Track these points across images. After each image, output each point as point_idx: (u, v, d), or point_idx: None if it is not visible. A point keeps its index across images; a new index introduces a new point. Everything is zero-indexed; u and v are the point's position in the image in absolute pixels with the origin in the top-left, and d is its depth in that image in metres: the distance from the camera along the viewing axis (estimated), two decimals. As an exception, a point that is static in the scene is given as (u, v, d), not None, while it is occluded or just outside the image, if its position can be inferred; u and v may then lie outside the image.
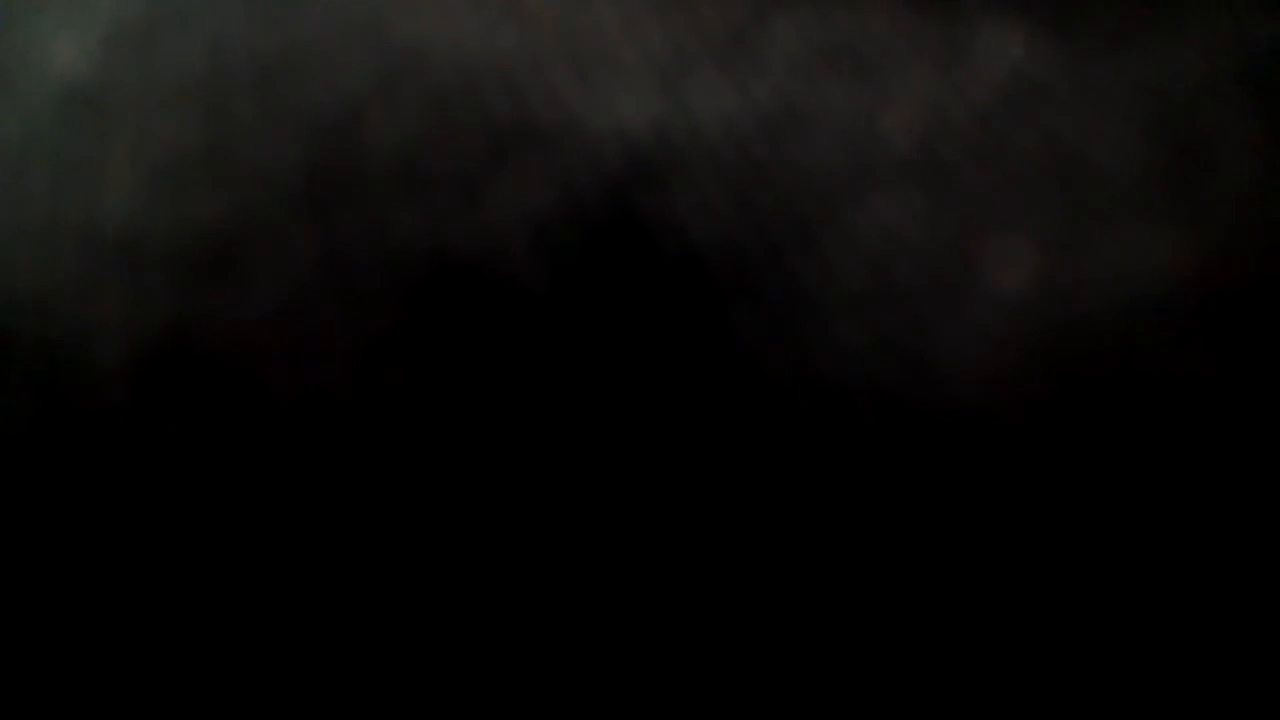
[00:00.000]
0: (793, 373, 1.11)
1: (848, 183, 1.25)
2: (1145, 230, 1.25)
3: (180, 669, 1.08)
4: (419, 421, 1.08)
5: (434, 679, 1.10)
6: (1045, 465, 1.13)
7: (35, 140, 1.25)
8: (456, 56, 1.22)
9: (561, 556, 1.10)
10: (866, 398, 1.10)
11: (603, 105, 1.21)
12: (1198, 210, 1.25)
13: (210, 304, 1.15)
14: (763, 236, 1.18)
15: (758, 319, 1.14)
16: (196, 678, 1.07)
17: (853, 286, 1.16)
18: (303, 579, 1.10)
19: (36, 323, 1.09)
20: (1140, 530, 1.12)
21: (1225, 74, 1.32)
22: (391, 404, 1.07)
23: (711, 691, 1.10)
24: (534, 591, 1.10)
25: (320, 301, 1.11)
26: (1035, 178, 1.31)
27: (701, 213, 1.20)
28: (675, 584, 1.11)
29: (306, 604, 1.09)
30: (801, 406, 1.11)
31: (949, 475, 1.12)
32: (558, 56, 1.22)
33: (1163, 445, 1.15)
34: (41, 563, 1.09)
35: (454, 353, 1.08)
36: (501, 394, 1.10)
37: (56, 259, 1.17)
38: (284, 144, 1.24)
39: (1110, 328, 1.18)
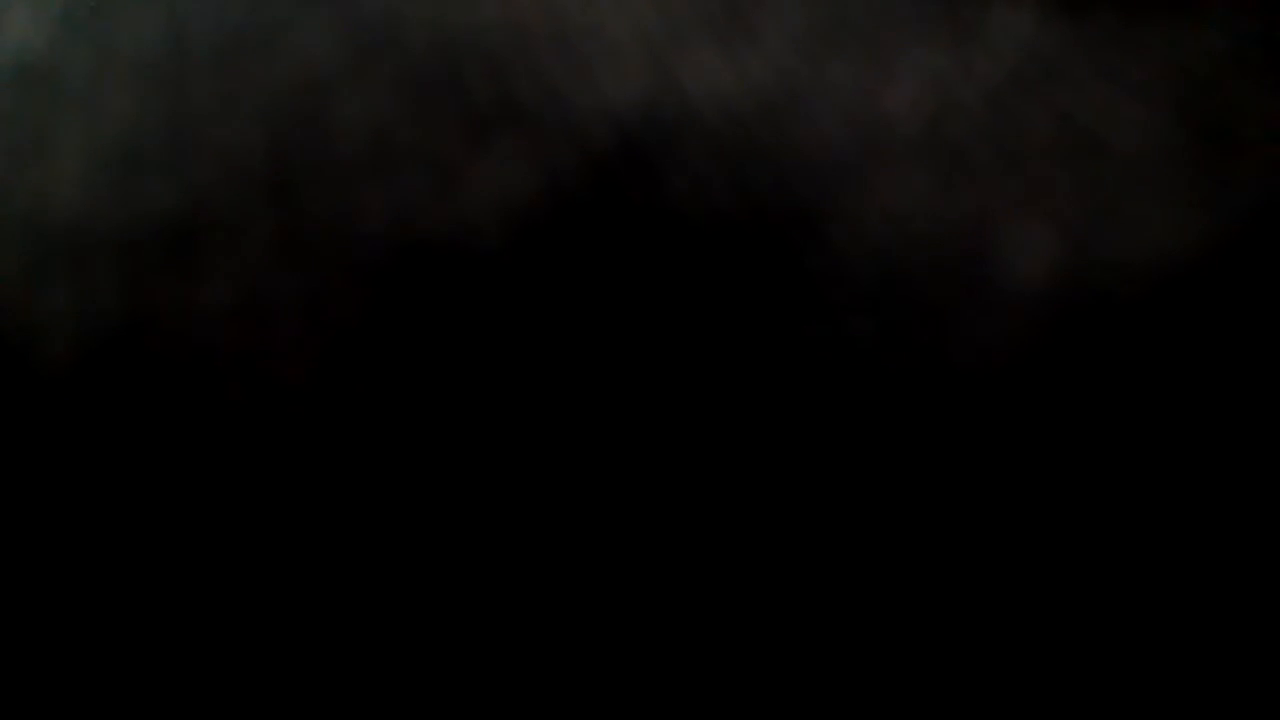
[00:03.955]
0: (797, 370, 1.04)
1: (852, 166, 1.18)
2: (1166, 213, 1.17)
3: (130, 653, 1.02)
4: (383, 421, 1.01)
5: (407, 664, 1.03)
6: (1062, 455, 1.07)
7: (-16, 116, 1.17)
8: (433, 30, 1.15)
9: (538, 543, 1.04)
10: (877, 392, 1.04)
11: (589, 82, 1.13)
12: (1220, 192, 1.18)
13: (164, 296, 1.07)
14: (762, 223, 1.11)
15: (758, 312, 1.07)
16: (154, 662, 1.01)
17: (860, 277, 1.10)
18: (264, 571, 1.03)
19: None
20: (1157, 514, 1.06)
21: (1249, 52, 1.25)
22: (356, 399, 1.00)
23: (712, 658, 1.04)
24: (510, 574, 1.04)
25: (280, 293, 1.04)
26: (1049, 160, 1.23)
27: (695, 198, 1.12)
28: (669, 570, 1.05)
29: (266, 594, 1.03)
30: (807, 405, 1.05)
31: (964, 470, 1.06)
32: (541, 31, 1.14)
33: (1185, 431, 1.09)
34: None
35: (422, 348, 1.01)
36: (472, 390, 1.03)
37: (1, 247, 1.10)
38: (246, 125, 1.16)
39: (1130, 316, 1.12)
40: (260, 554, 1.02)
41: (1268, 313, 1.10)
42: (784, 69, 1.21)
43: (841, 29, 1.23)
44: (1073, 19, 1.29)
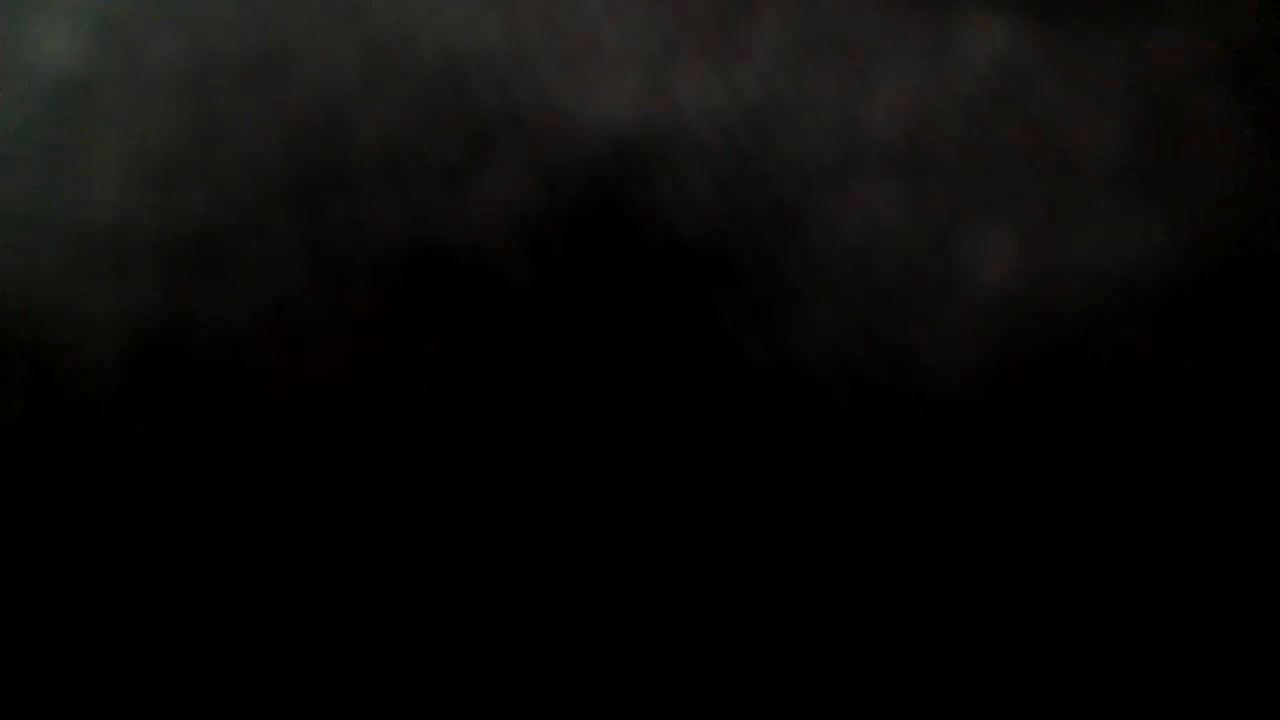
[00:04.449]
0: (774, 363, 1.11)
1: (832, 173, 1.26)
2: (1127, 219, 1.25)
3: (170, 653, 1.08)
4: (404, 410, 1.09)
5: (424, 663, 1.10)
6: (1025, 453, 1.13)
7: (23, 135, 1.25)
8: (441, 48, 1.23)
9: (546, 540, 1.10)
10: (847, 388, 1.11)
11: (588, 97, 1.22)
12: (1180, 199, 1.26)
13: (199, 299, 1.15)
14: (747, 227, 1.19)
15: (741, 309, 1.14)
16: (187, 660, 1.08)
17: (835, 277, 1.17)
18: (294, 567, 1.10)
19: (26, 319, 1.10)
20: (1118, 515, 1.12)
21: (1209, 65, 1.32)
22: (376, 393, 1.08)
23: (691, 663, 1.10)
24: (520, 573, 1.10)
25: (306, 294, 1.12)
26: (1018, 167, 1.31)
27: (686, 204, 1.20)
28: (658, 566, 1.11)
29: (297, 591, 1.10)
30: (782, 396, 1.12)
31: (929, 463, 1.12)
32: (543, 48, 1.22)
33: (1142, 431, 1.15)
34: (35, 556, 1.09)
35: (438, 342, 1.08)
36: (486, 382, 1.10)
37: (45, 254, 1.17)
38: (269, 138, 1.25)
39: (1090, 316, 1.19)
40: (289, 537, 1.09)
41: (1227, 312, 1.16)
42: (770, 83, 1.28)
43: (825, 44, 1.30)
44: (1045, 33, 1.35)
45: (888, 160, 1.28)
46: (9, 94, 1.28)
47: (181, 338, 1.13)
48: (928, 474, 1.12)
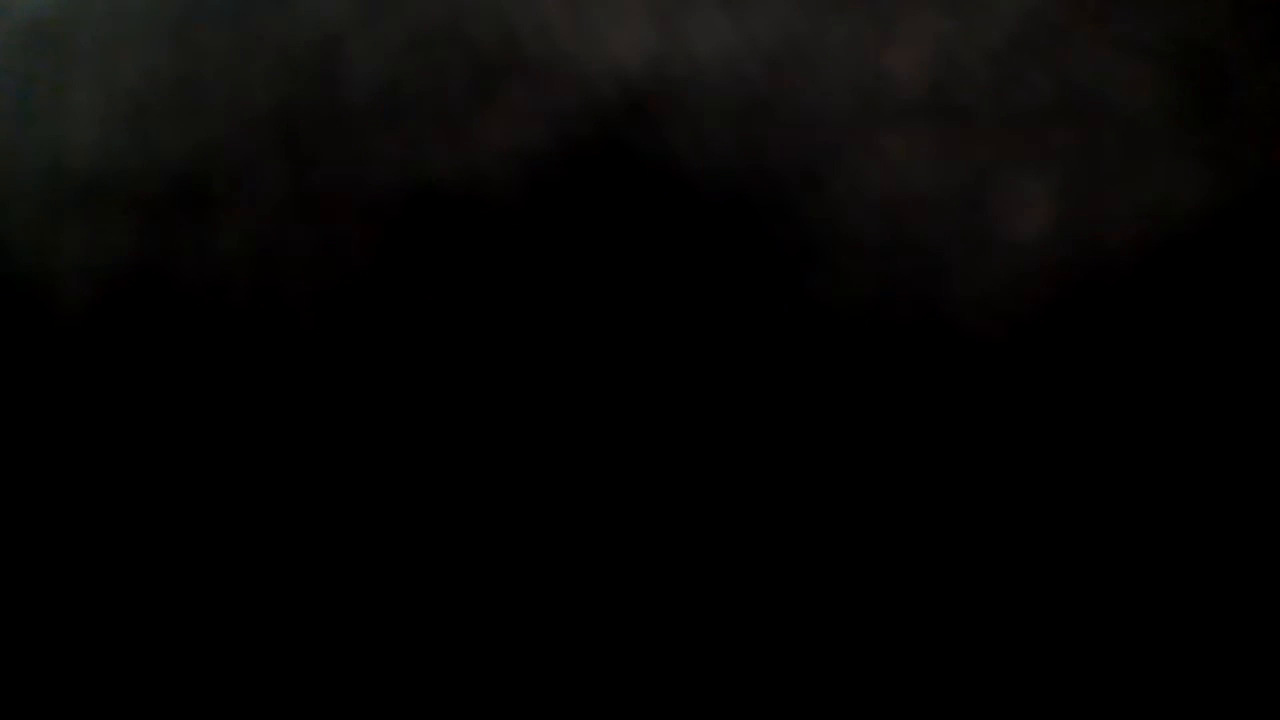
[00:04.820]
0: (799, 320, 1.05)
1: (854, 123, 1.19)
2: (1164, 173, 1.19)
3: (140, 598, 1.03)
4: (398, 361, 1.02)
5: (423, 623, 1.05)
6: (1064, 407, 1.08)
7: (-3, 71, 1.18)
8: (441, -15, 1.16)
9: (547, 495, 1.05)
10: (877, 344, 1.05)
11: (595, 38, 1.14)
12: (1219, 150, 1.19)
13: (177, 243, 1.08)
14: (766, 178, 1.12)
15: (761, 264, 1.08)
16: (159, 609, 1.02)
17: (862, 230, 1.10)
18: (280, 515, 1.04)
19: (-3, 262, 1.03)
20: (1160, 472, 1.07)
21: (1249, 14, 1.26)
22: (365, 349, 1.02)
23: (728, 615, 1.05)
24: (519, 525, 1.05)
25: (293, 240, 1.05)
26: (1050, 120, 1.24)
27: (700, 152, 1.13)
28: (668, 536, 1.06)
29: (281, 542, 1.04)
30: (808, 354, 1.06)
31: (966, 420, 1.07)
32: (548, -14, 1.15)
33: (1187, 386, 1.10)
34: (7, 497, 1.03)
35: (434, 295, 1.02)
36: (485, 333, 1.04)
37: (18, 195, 1.11)
38: (257, 76, 1.17)
39: (1129, 269, 1.13)
40: (272, 491, 1.03)
41: (1265, 271, 1.11)
42: (789, 29, 1.22)
43: (846, -11, 1.24)
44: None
45: (913, 111, 1.22)
46: (-19, 34, 1.22)
47: (159, 284, 1.06)
48: (966, 432, 1.07)
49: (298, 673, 1.02)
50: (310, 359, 1.03)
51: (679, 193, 1.11)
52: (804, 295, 1.07)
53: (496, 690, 1.02)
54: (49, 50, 1.21)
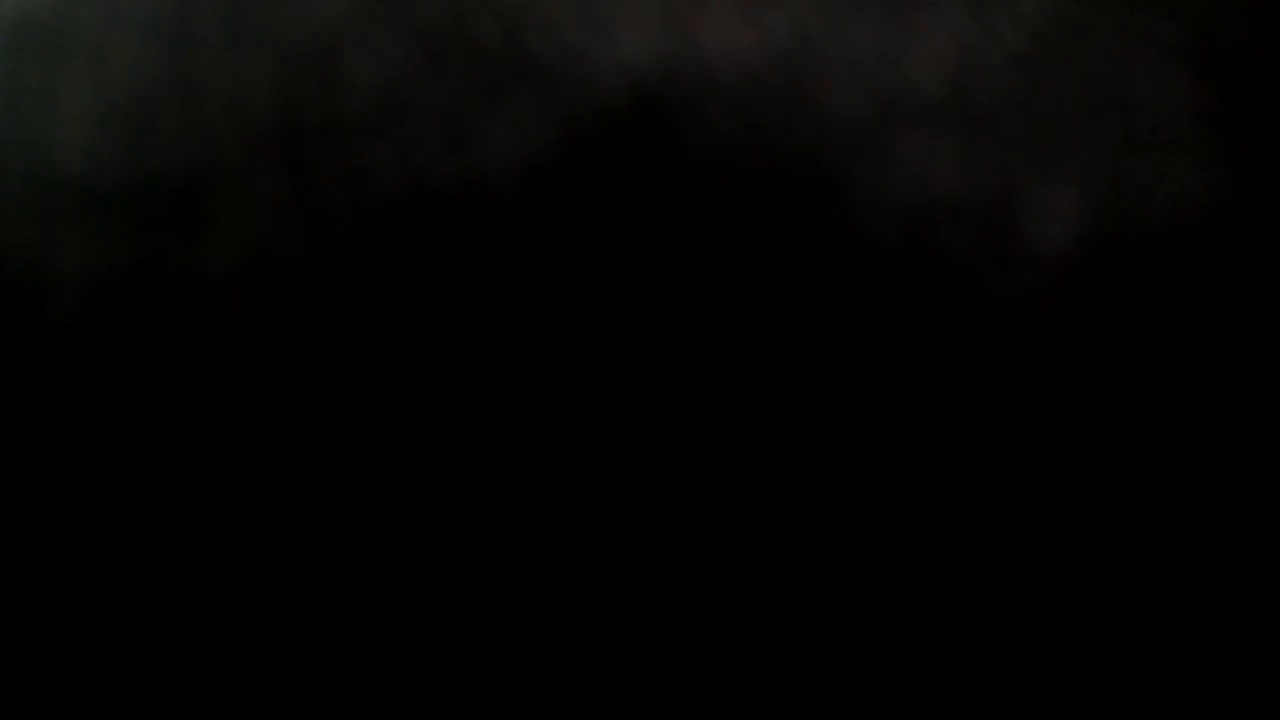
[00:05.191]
0: (819, 332, 1.02)
1: (873, 127, 1.15)
2: (1192, 173, 1.15)
3: (138, 599, 1.00)
4: (400, 375, 0.99)
5: (414, 619, 1.02)
6: (1090, 409, 1.05)
7: (-15, 76, 1.14)
8: (443, -17, 1.12)
9: (554, 496, 1.02)
10: (901, 353, 1.02)
11: (605, 38, 1.11)
12: (1247, 151, 1.16)
13: (172, 249, 1.05)
14: (784, 182, 1.09)
15: (777, 274, 1.05)
16: (160, 602, 1.00)
17: (883, 236, 1.07)
18: (277, 518, 1.02)
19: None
20: (1194, 475, 1.04)
21: (1275, 12, 1.22)
22: (367, 358, 0.98)
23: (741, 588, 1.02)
24: (524, 524, 1.02)
25: (290, 248, 1.01)
26: (1075, 121, 1.20)
27: (714, 156, 1.10)
28: (680, 534, 1.03)
29: (277, 543, 1.01)
30: (828, 365, 1.03)
31: (999, 429, 1.04)
32: (555, -15, 1.12)
33: (1221, 391, 1.07)
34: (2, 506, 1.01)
35: (439, 303, 0.98)
36: (492, 347, 1.01)
37: (7, 200, 1.07)
38: (254, 77, 1.13)
39: (1156, 272, 1.09)
40: (270, 496, 1.01)
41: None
42: (805, 29, 1.19)
43: (862, -13, 1.21)
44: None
45: (935, 114, 1.18)
46: (-29, 34, 1.19)
47: (152, 294, 1.03)
48: (989, 433, 1.04)
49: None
50: (308, 366, 1.00)
51: (692, 198, 1.08)
52: (821, 301, 1.03)
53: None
54: (40, 48, 1.18)
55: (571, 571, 1.00)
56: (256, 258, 1.00)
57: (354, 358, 0.98)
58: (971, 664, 1.03)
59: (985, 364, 1.06)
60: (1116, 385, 1.06)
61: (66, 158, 1.13)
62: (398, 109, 1.10)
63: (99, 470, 1.01)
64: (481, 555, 1.01)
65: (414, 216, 1.05)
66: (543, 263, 1.02)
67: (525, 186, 1.05)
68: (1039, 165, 1.15)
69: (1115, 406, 1.05)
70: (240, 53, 1.14)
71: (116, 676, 1.00)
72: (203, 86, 1.14)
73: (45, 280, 1.03)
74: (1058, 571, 1.03)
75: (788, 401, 1.03)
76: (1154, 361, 1.06)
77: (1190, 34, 1.21)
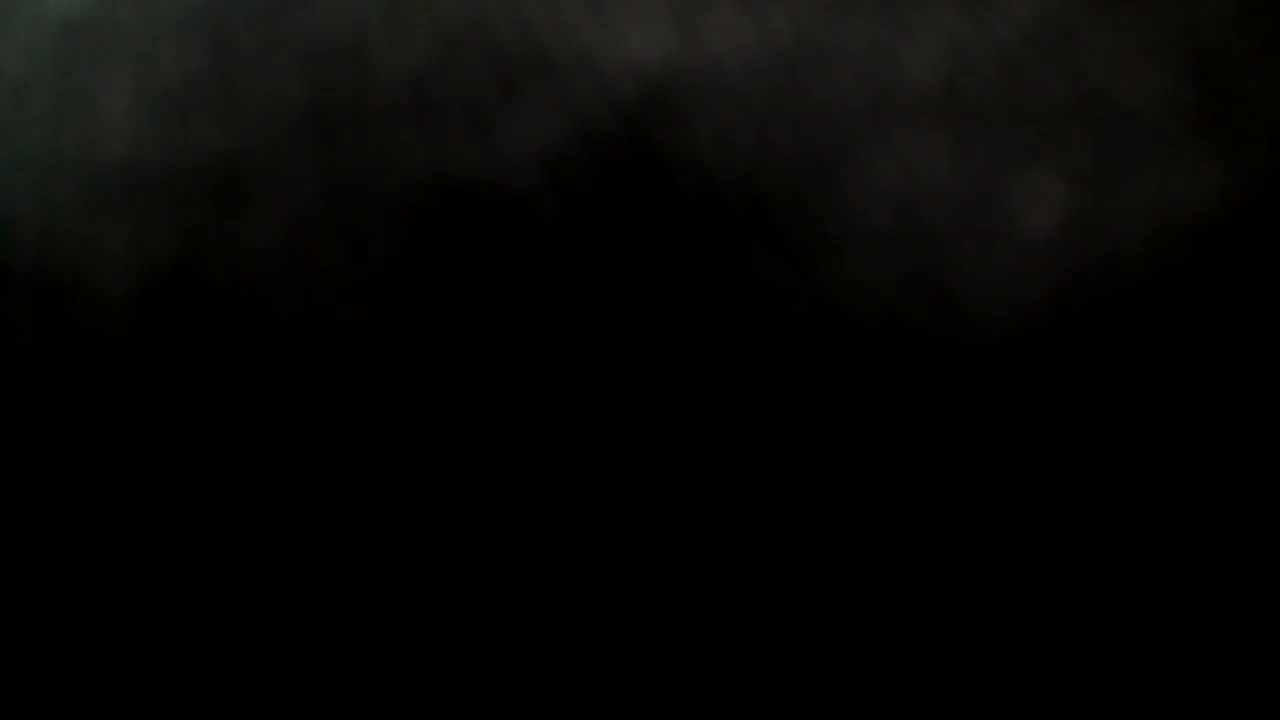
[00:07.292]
0: (816, 312, 1.07)
1: (870, 119, 1.21)
2: (1174, 167, 1.21)
3: (180, 593, 1.05)
4: (427, 353, 1.05)
5: (444, 612, 1.06)
6: (1077, 398, 1.09)
7: (34, 70, 1.21)
8: (465, -14, 1.18)
9: (572, 491, 1.07)
10: (892, 337, 1.07)
11: (616, 37, 1.17)
12: (1227, 147, 1.21)
13: (213, 234, 1.11)
14: (783, 173, 1.15)
15: (778, 258, 1.10)
16: (196, 603, 1.05)
17: (877, 224, 1.13)
18: (309, 511, 1.07)
19: (36, 253, 1.06)
20: (1173, 462, 1.08)
21: (1256, 13, 1.28)
22: (397, 337, 1.04)
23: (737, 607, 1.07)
24: (545, 522, 1.07)
25: (325, 232, 1.08)
26: (1062, 116, 1.26)
27: (719, 148, 1.16)
28: (689, 524, 1.08)
29: (310, 536, 1.06)
30: (825, 346, 1.08)
31: (980, 411, 1.09)
32: (570, -12, 1.18)
33: (1192, 376, 1.11)
34: (43, 490, 1.06)
35: (463, 285, 1.04)
36: (512, 328, 1.06)
37: (56, 189, 1.14)
38: (288, 72, 1.20)
39: (1140, 263, 1.15)
40: (304, 479, 1.05)
41: (1273, 265, 1.13)
42: (804, 25, 1.24)
43: (860, -12, 1.26)
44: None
45: (928, 107, 1.24)
46: (18, 30, 1.25)
47: (196, 274, 1.09)
48: (980, 422, 1.09)
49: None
50: (340, 349, 1.06)
51: (698, 187, 1.14)
52: (819, 288, 1.09)
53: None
54: (83, 49, 1.24)
55: (574, 571, 1.04)
56: (293, 239, 1.06)
57: (385, 336, 1.04)
58: (968, 668, 1.06)
59: (971, 345, 1.10)
60: (1097, 369, 1.10)
61: (113, 149, 1.19)
62: (423, 103, 1.16)
63: (144, 449, 1.06)
64: (492, 549, 1.05)
65: (439, 202, 1.11)
66: (559, 247, 1.08)
67: (542, 175, 1.11)
68: (1025, 157, 1.20)
69: (1096, 392, 1.09)
70: (274, 50, 1.21)
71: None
72: (239, 81, 1.20)
73: (95, 263, 1.09)
74: (1048, 568, 1.06)
75: (786, 384, 1.08)
76: (1133, 346, 1.10)
77: (1172, 35, 1.26)
